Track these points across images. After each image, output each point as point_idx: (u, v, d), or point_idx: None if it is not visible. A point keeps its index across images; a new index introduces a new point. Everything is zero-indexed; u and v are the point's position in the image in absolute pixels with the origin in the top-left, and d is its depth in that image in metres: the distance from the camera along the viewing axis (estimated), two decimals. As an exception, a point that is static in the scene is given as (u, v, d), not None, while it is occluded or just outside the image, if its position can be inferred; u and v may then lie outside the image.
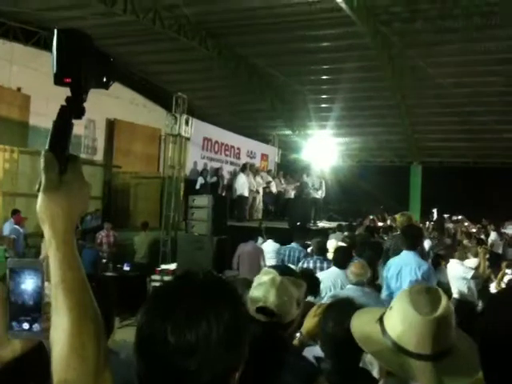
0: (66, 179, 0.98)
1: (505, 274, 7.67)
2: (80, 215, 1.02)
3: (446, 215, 20.65)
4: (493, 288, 7.45)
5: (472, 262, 7.07)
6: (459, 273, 6.88)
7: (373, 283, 4.65)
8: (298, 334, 2.25)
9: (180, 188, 12.35)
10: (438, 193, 20.60)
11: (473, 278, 6.82)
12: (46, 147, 0.98)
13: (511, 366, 0.92)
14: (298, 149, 20.15)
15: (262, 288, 1.90)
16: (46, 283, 0.99)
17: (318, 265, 5.91)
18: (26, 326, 0.98)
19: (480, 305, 6.77)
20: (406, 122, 18.52)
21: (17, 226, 9.81)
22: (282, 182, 16.81)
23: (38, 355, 1.10)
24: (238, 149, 16.14)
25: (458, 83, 15.05)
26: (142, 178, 15.77)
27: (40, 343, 1.10)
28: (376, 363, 2.18)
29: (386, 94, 16.44)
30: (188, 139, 12.63)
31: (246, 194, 13.91)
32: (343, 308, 2.12)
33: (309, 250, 7.31)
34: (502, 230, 15.81)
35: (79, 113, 1.01)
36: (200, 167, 13.94)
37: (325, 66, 15.56)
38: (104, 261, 10.60)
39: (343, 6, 11.04)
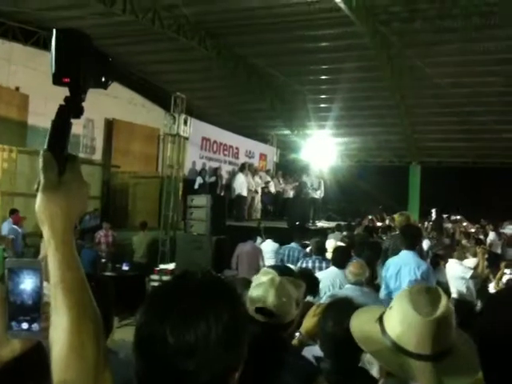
0: (65, 179, 0.98)
1: (503, 273, 7.67)
2: (79, 215, 1.02)
3: (444, 215, 20.60)
4: (491, 288, 7.46)
5: (471, 261, 7.08)
6: (458, 273, 6.89)
7: (371, 283, 4.66)
8: (297, 334, 2.25)
9: (179, 188, 12.34)
10: (437, 193, 20.55)
11: (471, 277, 6.84)
12: (45, 147, 0.98)
13: (510, 365, 0.92)
14: (297, 149, 20.12)
15: (261, 288, 1.89)
16: (45, 283, 0.98)
17: (317, 264, 5.91)
18: (25, 325, 0.98)
19: (479, 305, 6.77)
20: (405, 121, 18.50)
21: (15, 226, 9.78)
22: (281, 181, 16.82)
23: (37, 355, 1.10)
24: (237, 148, 16.14)
25: (457, 83, 15.05)
26: (141, 177, 15.74)
27: (39, 343, 1.10)
28: (375, 363, 2.17)
29: (385, 94, 16.42)
30: (187, 139, 12.63)
31: (245, 193, 13.92)
32: (342, 308, 2.12)
33: (308, 249, 7.32)
34: (501, 230, 15.77)
35: (78, 112, 1.01)
36: (199, 167, 13.94)
37: (324, 66, 15.54)
38: (103, 260, 10.60)
39: (342, 5, 11.03)
